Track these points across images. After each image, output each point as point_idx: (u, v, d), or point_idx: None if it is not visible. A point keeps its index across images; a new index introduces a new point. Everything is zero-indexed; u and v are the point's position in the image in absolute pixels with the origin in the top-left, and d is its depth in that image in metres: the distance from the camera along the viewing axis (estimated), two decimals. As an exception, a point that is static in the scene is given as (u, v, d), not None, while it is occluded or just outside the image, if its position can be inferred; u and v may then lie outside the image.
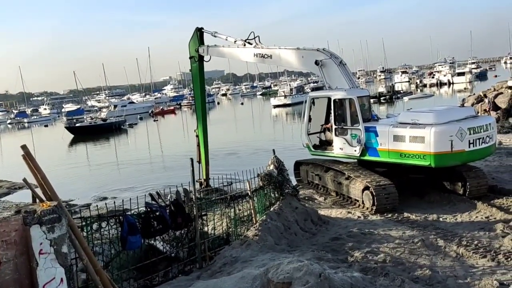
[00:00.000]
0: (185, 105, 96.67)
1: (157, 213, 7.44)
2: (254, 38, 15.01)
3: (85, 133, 51.04)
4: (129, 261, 7.26)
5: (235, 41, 15.37)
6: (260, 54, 14.92)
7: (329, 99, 13.90)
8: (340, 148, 13.56)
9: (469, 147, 11.35)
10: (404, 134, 11.77)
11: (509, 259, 7.69)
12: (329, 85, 13.83)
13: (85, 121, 59.23)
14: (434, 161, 11.36)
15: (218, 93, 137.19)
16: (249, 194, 9.49)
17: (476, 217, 10.42)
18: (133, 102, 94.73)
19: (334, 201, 13.30)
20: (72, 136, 51.49)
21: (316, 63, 13.72)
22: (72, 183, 23.07)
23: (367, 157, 12.77)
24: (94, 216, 7.07)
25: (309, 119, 14.78)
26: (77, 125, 55.57)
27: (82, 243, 5.52)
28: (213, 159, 26.58)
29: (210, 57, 16.30)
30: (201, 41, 16.07)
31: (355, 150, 12.97)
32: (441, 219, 10.60)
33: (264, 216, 9.29)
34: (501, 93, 28.11)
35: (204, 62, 16.44)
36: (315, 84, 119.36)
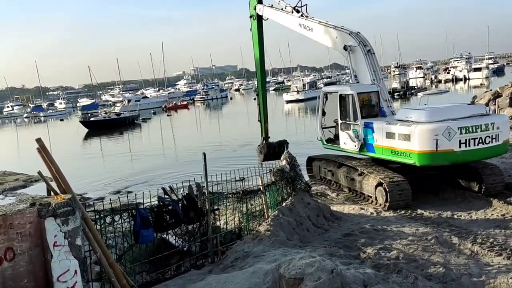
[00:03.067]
0: (198, 100, 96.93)
1: (170, 207, 7.47)
2: (301, 6, 15.20)
3: (99, 127, 51.50)
4: (141, 254, 7.31)
5: (285, 6, 15.62)
6: (303, 25, 15.04)
7: (338, 94, 14.01)
8: (344, 143, 13.84)
9: (460, 147, 10.89)
10: (394, 131, 11.73)
11: (525, 257, 7.57)
12: (355, 73, 13.86)
13: (100, 115, 59.76)
14: (418, 160, 11.28)
15: (231, 88, 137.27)
16: (261, 189, 9.48)
17: (492, 214, 10.28)
18: (146, 97, 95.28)
19: (347, 197, 13.24)
20: (86, 130, 52.01)
21: (345, 48, 13.75)
22: (86, 176, 23.31)
23: (365, 153, 12.90)
24: (108, 209, 7.12)
25: (323, 113, 14.81)
26: (91, 119, 56.09)
27: (95, 236, 5.56)
28: (224, 151, 26.72)
29: (268, 18, 16.68)
30: (259, 0, 16.44)
31: (355, 146, 13.18)
32: (455, 216, 10.48)
33: (276, 212, 9.28)
34: (519, 89, 27.60)
35: (263, 21, 16.79)
36: (329, 79, 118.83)
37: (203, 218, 8.09)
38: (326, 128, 14.95)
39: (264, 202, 9.46)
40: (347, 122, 13.59)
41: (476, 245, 8.30)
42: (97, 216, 6.61)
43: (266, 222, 8.88)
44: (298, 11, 15.26)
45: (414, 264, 7.42)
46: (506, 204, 10.57)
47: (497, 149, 11.59)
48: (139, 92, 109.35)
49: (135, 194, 7.60)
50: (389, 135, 11.92)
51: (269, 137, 17.42)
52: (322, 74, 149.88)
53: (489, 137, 11.20)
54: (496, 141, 11.38)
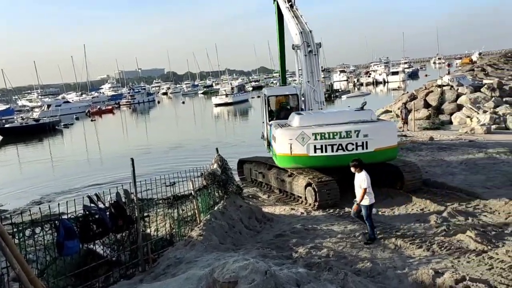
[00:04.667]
0: (124, 104, 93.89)
1: (96, 216, 7.11)
2: None
3: (16, 134, 48.11)
4: (66, 267, 6.89)
5: None
6: (287, 16, 15.13)
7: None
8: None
9: (315, 152, 11.22)
10: (274, 135, 12.31)
11: (442, 248, 8.10)
12: (300, 72, 14.21)
13: (16, 121, 55.86)
14: (277, 162, 11.98)
15: (158, 92, 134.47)
16: (193, 193, 9.33)
17: (412, 209, 10.90)
18: (68, 102, 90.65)
19: (278, 198, 13.43)
20: (0, 137, 48.42)
21: (293, 47, 14.00)
22: (1, 186, 21.66)
23: (269, 152, 13.50)
24: (27, 221, 6.63)
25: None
26: (6, 126, 52.25)
27: (13, 251, 5.14)
28: (153, 155, 26.08)
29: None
30: None
31: (265, 145, 13.73)
32: (380, 212, 10.98)
33: (208, 216, 9.18)
34: (432, 91, 29.68)
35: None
36: (256, 83, 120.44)
37: (132, 226, 7.80)
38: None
39: (195, 207, 9.33)
40: (263, 123, 14.19)
41: (399, 239, 8.76)
42: (15, 229, 6.13)
43: (198, 227, 8.76)
44: (289, 1, 15.50)
45: (343, 260, 7.67)
46: (424, 199, 11.25)
47: (366, 157, 11.07)
48: (60, 97, 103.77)
49: (58, 204, 7.15)
50: (273, 137, 12.54)
51: None
52: (250, 77, 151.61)
53: (352, 144, 11.24)
54: (363, 149, 11.31)
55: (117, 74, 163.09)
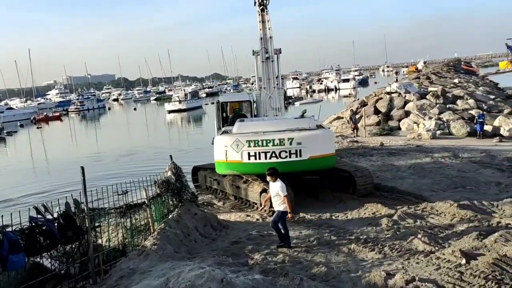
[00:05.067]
0: (73, 111, 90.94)
1: (44, 228, 6.79)
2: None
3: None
4: (10, 283, 6.53)
5: None
6: (257, 20, 14.94)
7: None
8: None
9: (249, 159, 11.37)
10: (215, 141, 12.40)
11: (393, 250, 8.35)
12: (260, 78, 14.22)
13: (-46, 129, 52.78)
14: (216, 168, 12.15)
15: (109, 98, 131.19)
16: (146, 202, 9.13)
17: (364, 213, 11.18)
18: (11, 108, 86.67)
19: (233, 205, 13.38)
20: None
21: (253, 53, 13.98)
22: None
23: None
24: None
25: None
26: None
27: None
28: (104, 163, 25.36)
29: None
30: None
31: None
32: (333, 217, 11.19)
33: (163, 224, 9.00)
34: (381, 98, 30.72)
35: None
36: (210, 89, 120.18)
37: (82, 237, 7.51)
38: None
39: (149, 216, 9.12)
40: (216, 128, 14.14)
41: (353, 243, 8.94)
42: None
43: (152, 236, 8.56)
44: (261, 5, 15.31)
45: (299, 266, 7.73)
46: (375, 203, 11.57)
47: (300, 165, 11.40)
48: (2, 103, 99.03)
49: (1, 215, 6.77)
50: (212, 143, 12.61)
51: None
52: (204, 84, 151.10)
53: (285, 152, 11.36)
54: (296, 157, 11.35)
55: (65, 80, 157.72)
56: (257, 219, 11.54)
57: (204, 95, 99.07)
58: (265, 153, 11.31)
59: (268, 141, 11.32)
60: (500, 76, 63.66)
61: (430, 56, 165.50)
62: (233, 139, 11.57)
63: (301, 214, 11.55)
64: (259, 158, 11.33)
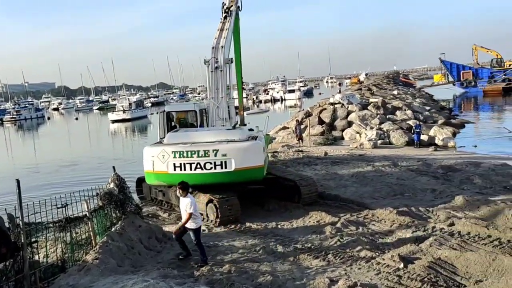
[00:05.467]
0: (8, 121, 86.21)
1: (-26, 245, 6.38)
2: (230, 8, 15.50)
3: None
4: None
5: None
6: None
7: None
8: None
9: (175, 170, 11.41)
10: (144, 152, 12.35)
11: (337, 257, 8.57)
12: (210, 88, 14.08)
13: None
14: (146, 178, 12.23)
15: (48, 108, 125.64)
16: (88, 215, 8.81)
17: (309, 221, 11.40)
18: None
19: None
20: None
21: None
22: None
23: None
24: None
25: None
26: None
27: None
28: (43, 175, 24.20)
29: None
30: None
31: None
32: (279, 226, 11.32)
33: (105, 238, 8.73)
34: (325, 108, 31.55)
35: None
36: (156, 99, 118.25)
37: (17, 253, 7.13)
38: None
39: (90, 229, 8.81)
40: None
41: (298, 251, 9.10)
42: None
43: (94, 250, 8.28)
44: (225, 12, 15.34)
45: (245, 275, 7.74)
46: (320, 211, 11.83)
47: (225, 176, 11.41)
48: None
49: None
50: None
51: (245, 124, 17.14)
52: (149, 93, 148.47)
53: (210, 163, 11.39)
54: (222, 168, 11.34)
55: (0, 88, 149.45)
56: (203, 230, 11.42)
57: (150, 104, 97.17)
58: (190, 164, 11.32)
59: (193, 152, 11.33)
60: (435, 88, 67.26)
61: (371, 68, 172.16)
62: (159, 150, 11.58)
63: (247, 224, 11.60)
64: (184, 169, 11.34)
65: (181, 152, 11.35)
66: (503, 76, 61.47)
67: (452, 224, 9.74)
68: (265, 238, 10.30)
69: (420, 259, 7.81)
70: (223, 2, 15.81)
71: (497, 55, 68.94)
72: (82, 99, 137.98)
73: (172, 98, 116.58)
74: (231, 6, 15.88)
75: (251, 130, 15.46)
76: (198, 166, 11.30)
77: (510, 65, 65.60)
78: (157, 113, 16.90)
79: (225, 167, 11.33)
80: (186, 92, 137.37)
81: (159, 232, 10.52)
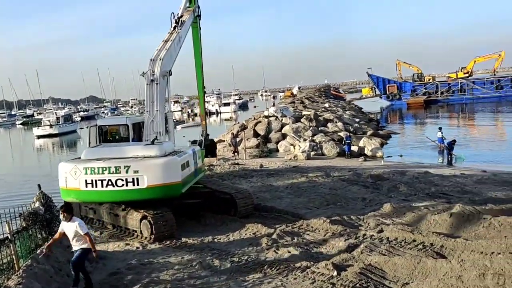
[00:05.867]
0: None
1: None
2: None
3: None
4: None
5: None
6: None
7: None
8: None
9: (86, 187, 11.26)
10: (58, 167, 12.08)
11: (273, 268, 8.64)
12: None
13: None
14: (61, 194, 11.95)
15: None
16: (9, 237, 8.24)
17: (246, 234, 11.42)
18: None
19: (111, 234, 12.69)
20: None
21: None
22: None
23: None
24: None
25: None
26: None
27: None
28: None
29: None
30: None
31: None
32: (216, 240, 11.24)
33: (29, 261, 8.19)
34: (260, 121, 31.99)
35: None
36: (86, 113, 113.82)
37: None
38: None
39: (13, 252, 8.24)
40: None
41: (234, 264, 9.07)
42: None
43: (17, 275, 7.73)
44: (177, 22, 14.98)
45: (181, 292, 7.59)
46: (256, 223, 11.90)
47: (137, 193, 11.15)
48: None
49: None
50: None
51: (208, 134, 17.21)
52: (79, 107, 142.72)
53: (121, 180, 11.21)
54: (134, 185, 11.08)
55: None
56: (137, 247, 11.10)
57: (79, 118, 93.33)
58: (102, 181, 11.06)
59: (104, 169, 11.06)
60: (363, 101, 70.53)
61: (304, 82, 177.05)
62: (71, 166, 11.31)
63: (183, 239, 11.40)
64: (96, 186, 11.08)
65: (92, 169, 11.07)
66: (424, 90, 65.75)
67: (381, 231, 10.18)
68: (201, 252, 10.17)
69: (353, 266, 8.07)
70: (173, 13, 15.47)
71: (418, 70, 73.84)
72: (4, 113, 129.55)
73: (103, 112, 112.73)
74: (183, 16, 15.61)
75: (194, 142, 15.26)
76: (110, 183, 11.01)
77: (429, 79, 70.38)
78: (87, 127, 16.23)
79: (137, 184, 11.05)
80: (118, 106, 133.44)
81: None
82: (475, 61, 74.01)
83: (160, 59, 13.59)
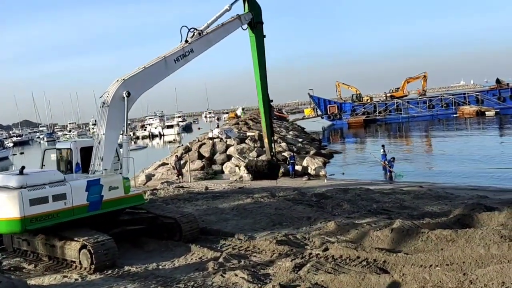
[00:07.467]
0: None
1: None
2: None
3: None
4: None
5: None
6: None
7: None
8: None
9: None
10: None
11: (220, 293, 8.48)
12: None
13: None
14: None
15: None
16: None
17: (192, 259, 11.16)
18: None
19: (47, 267, 11.95)
20: None
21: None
22: None
23: None
24: None
25: None
26: None
27: None
28: None
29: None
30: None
31: None
32: (160, 266, 10.88)
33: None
34: (204, 143, 31.83)
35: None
36: (19, 138, 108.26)
37: None
38: None
39: None
40: None
41: (180, 291, 8.80)
42: None
43: None
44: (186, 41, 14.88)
45: (123, 324, 7.24)
46: (202, 247, 11.68)
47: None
48: None
49: None
50: None
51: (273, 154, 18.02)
52: (11, 132, 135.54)
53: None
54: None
55: None
56: (76, 279, 10.51)
57: (11, 144, 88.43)
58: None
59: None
60: (306, 121, 72.29)
61: (247, 102, 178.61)
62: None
63: (126, 267, 10.94)
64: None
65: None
66: (363, 110, 68.49)
67: (326, 249, 10.31)
68: (145, 281, 9.79)
69: (300, 286, 8.08)
70: (186, 26, 14.98)
71: (356, 90, 76.95)
72: None
73: (38, 137, 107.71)
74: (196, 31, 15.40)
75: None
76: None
77: (367, 100, 73.50)
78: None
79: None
80: (55, 130, 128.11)
81: (24, 287, 9.40)
82: (408, 81, 78.50)
83: (123, 80, 12.83)
